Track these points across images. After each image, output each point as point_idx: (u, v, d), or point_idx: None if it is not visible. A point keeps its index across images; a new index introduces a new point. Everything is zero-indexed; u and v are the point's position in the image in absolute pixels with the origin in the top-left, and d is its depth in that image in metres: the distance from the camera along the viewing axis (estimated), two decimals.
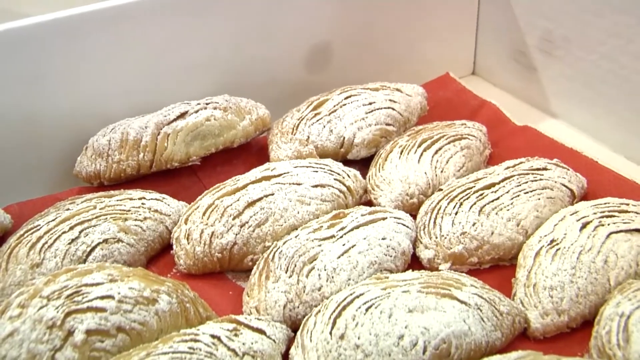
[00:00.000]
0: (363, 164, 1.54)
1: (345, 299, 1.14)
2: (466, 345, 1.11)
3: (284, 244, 1.26)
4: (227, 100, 1.55)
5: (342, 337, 1.09)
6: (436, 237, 1.32)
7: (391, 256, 1.27)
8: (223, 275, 1.34)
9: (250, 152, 1.59)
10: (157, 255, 1.38)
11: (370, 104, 1.57)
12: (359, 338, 1.08)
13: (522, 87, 1.85)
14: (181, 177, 1.53)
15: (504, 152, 1.54)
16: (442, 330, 1.10)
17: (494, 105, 1.74)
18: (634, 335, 1.10)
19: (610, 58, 1.59)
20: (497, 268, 1.33)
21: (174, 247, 1.34)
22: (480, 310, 1.14)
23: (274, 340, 1.14)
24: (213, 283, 1.32)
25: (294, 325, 1.19)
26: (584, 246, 1.24)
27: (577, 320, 1.20)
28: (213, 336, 1.09)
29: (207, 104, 1.52)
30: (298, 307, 1.20)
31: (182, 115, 1.48)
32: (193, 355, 1.05)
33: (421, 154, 1.47)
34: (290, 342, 1.16)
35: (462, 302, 1.14)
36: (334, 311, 1.12)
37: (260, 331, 1.14)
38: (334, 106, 1.56)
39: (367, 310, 1.11)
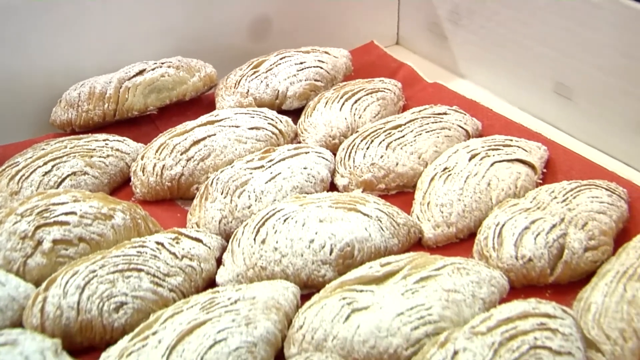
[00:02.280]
0: (296, 114, 1.61)
1: (268, 213, 1.21)
2: (367, 248, 1.18)
3: (221, 172, 1.33)
4: (180, 60, 1.62)
5: (263, 241, 1.17)
6: (350, 167, 1.39)
7: (311, 182, 1.34)
8: (173, 202, 1.41)
9: (200, 104, 1.65)
10: (119, 186, 1.45)
11: (301, 63, 1.64)
12: (277, 242, 1.16)
13: (437, 53, 1.91)
14: (141, 125, 1.60)
15: (415, 105, 1.60)
16: (346, 235, 1.17)
17: (410, 67, 1.81)
18: (506, 240, 1.18)
19: (504, 25, 1.66)
20: (401, 194, 1.40)
21: (132, 178, 1.41)
22: (380, 221, 1.21)
23: (209, 247, 1.21)
24: (164, 208, 1.39)
25: (227, 237, 1.25)
26: (471, 172, 1.32)
27: (463, 232, 1.28)
28: (158, 242, 1.17)
29: (162, 63, 1.59)
30: (231, 222, 1.27)
31: (141, 72, 1.55)
32: (140, 257, 1.12)
33: (343, 104, 1.54)
34: (224, 250, 1.23)
35: (365, 214, 1.21)
36: (258, 222, 1.20)
37: (198, 240, 1.21)
38: (270, 65, 1.63)
39: (285, 220, 1.19)
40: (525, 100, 1.69)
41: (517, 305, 1.02)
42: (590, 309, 1.07)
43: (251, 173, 1.31)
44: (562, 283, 1.18)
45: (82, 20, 1.57)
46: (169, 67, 1.57)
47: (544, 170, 1.42)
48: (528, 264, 1.15)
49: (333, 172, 1.41)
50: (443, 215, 1.27)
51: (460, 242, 1.29)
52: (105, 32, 1.61)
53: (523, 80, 1.67)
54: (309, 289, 1.15)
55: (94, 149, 1.41)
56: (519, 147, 1.41)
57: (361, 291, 1.07)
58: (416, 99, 1.67)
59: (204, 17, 1.71)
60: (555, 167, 1.43)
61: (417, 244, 1.28)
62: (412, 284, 1.07)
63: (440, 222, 1.27)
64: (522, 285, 1.17)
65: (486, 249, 1.19)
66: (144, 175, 1.37)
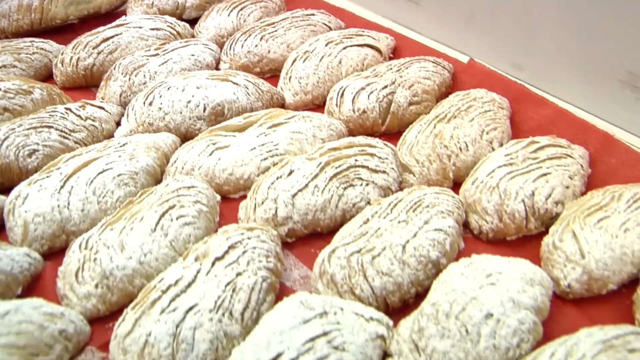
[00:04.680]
0: (194, 24, 1.71)
1: (156, 84, 1.33)
2: (235, 108, 1.31)
3: (123, 59, 1.45)
4: None
5: (150, 104, 1.29)
6: (231, 55, 1.52)
7: (197, 67, 1.47)
8: (89, 89, 1.52)
9: (115, 17, 1.70)
10: (44, 80, 1.54)
11: None
12: (161, 104, 1.28)
13: None
14: (65, 34, 1.67)
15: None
16: (217, 97, 1.30)
17: None
18: (346, 98, 1.31)
19: None
20: (275, 77, 1.52)
21: (53, 70, 1.51)
22: (247, 88, 1.34)
23: (110, 113, 1.33)
24: (81, 92, 1.50)
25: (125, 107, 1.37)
26: (325, 53, 1.45)
27: (318, 99, 1.41)
28: (67, 108, 1.29)
29: None
30: (129, 95, 1.40)
31: None
32: (51, 118, 1.24)
33: (231, 11, 1.66)
34: (122, 116, 1.35)
35: (234, 83, 1.34)
36: (148, 92, 1.32)
37: (101, 107, 1.33)
38: None
39: (168, 89, 1.31)
40: (382, 7, 1.79)
41: (345, 139, 1.16)
42: (405, 141, 1.22)
43: (147, 59, 1.43)
44: (393, 131, 1.31)
45: None
46: None
47: (391, 55, 1.54)
48: (363, 115, 1.29)
49: (218, 61, 1.52)
50: (301, 86, 1.39)
51: (316, 107, 1.41)
52: None
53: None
54: (188, 140, 1.26)
55: (22, 48, 1.51)
56: (369, 36, 1.53)
57: (225, 136, 1.20)
58: (294, 6, 1.75)
59: None
60: (401, 54, 1.55)
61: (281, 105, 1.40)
62: (266, 129, 1.21)
63: (299, 90, 1.39)
64: (359, 133, 1.28)
65: (331, 106, 1.33)
66: (62, 66, 1.48)
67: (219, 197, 1.12)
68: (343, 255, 0.94)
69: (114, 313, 0.94)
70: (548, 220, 1.05)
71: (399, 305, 0.94)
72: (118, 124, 1.32)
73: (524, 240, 1.06)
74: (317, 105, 1.40)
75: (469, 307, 0.84)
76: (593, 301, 0.97)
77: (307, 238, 1.07)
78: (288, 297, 0.88)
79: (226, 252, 0.94)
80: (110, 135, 1.29)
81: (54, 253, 1.06)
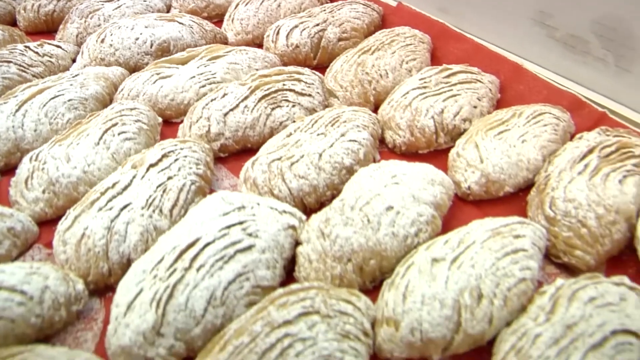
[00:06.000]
0: None
1: (108, 25, 1.36)
2: (180, 45, 1.35)
3: (80, 4, 1.47)
4: None
5: (102, 41, 1.32)
6: (180, 1, 1.55)
7: (149, 11, 1.50)
8: (51, 34, 1.54)
9: None
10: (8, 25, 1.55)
11: None
12: (112, 41, 1.31)
13: None
14: None
15: None
16: (164, 35, 1.33)
17: None
18: (281, 35, 1.33)
19: None
20: (221, 22, 1.54)
21: (17, 16, 1.54)
22: (192, 28, 1.37)
23: (66, 51, 1.36)
24: (42, 37, 1.51)
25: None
26: None
27: (259, 38, 1.45)
28: (25, 46, 1.31)
29: None
30: (85, 36, 1.43)
31: None
32: (10, 54, 1.27)
33: None
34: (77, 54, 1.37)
35: (180, 23, 1.37)
36: (101, 32, 1.34)
37: (58, 46, 1.36)
38: None
39: (119, 28, 1.33)
40: None
41: (276, 67, 1.20)
42: (331, 70, 1.26)
43: (102, 4, 1.46)
44: (324, 65, 1.35)
45: None
46: None
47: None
48: (296, 50, 1.33)
49: (169, 8, 1.54)
50: (242, 26, 1.43)
51: (256, 47, 1.42)
52: None
53: None
54: (136, 72, 1.29)
55: None
56: None
57: (169, 67, 1.23)
58: None
59: None
60: None
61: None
62: (206, 60, 1.24)
63: (240, 30, 1.43)
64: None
65: (268, 42, 1.36)
66: (25, 12, 1.50)
67: (160, 120, 1.15)
68: (265, 162, 0.99)
69: (61, 217, 0.97)
70: (457, 136, 1.10)
71: (316, 206, 0.98)
72: (74, 61, 1.33)
73: (435, 153, 1.11)
74: (257, 44, 1.43)
75: (373, 201, 0.88)
76: (492, 202, 1.02)
77: (238, 153, 1.11)
78: (211, 195, 0.92)
79: (160, 159, 0.97)
80: (66, 71, 1.30)
81: (10, 170, 1.08)
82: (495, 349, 0.75)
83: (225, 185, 1.05)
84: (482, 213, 0.96)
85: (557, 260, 0.90)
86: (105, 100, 1.18)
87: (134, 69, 1.28)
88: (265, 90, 1.11)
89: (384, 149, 1.12)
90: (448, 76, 1.16)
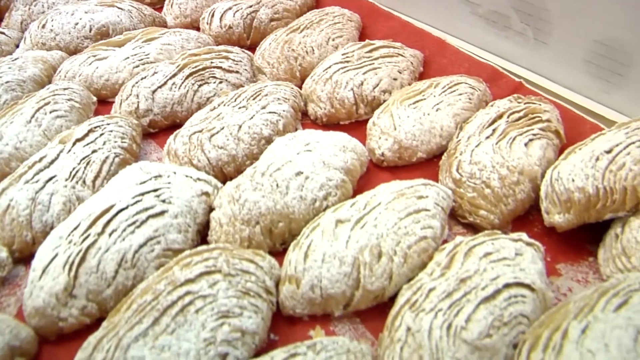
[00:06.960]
0: None
1: (49, 12, 1.34)
2: (119, 29, 1.34)
3: None
4: None
5: (43, 27, 1.32)
6: None
7: None
8: None
9: None
10: None
11: None
12: (52, 26, 1.31)
13: None
14: None
15: None
16: (103, 19, 1.32)
17: None
18: (215, 16, 1.33)
19: None
20: (161, 8, 1.52)
21: None
22: (131, 12, 1.37)
23: (10, 37, 1.35)
24: None
25: None
26: None
27: (197, 22, 1.42)
28: None
29: None
30: (29, 23, 1.42)
31: None
32: None
33: None
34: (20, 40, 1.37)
35: (119, 8, 1.36)
36: (42, 18, 1.33)
37: (2, 33, 1.35)
38: None
39: (59, 14, 1.33)
40: None
41: (207, 47, 1.20)
42: (260, 48, 1.26)
43: None
44: (258, 45, 1.33)
45: None
46: None
47: None
48: (229, 30, 1.33)
49: None
50: (181, 10, 1.43)
51: (195, 29, 1.42)
52: None
53: None
54: (74, 55, 1.28)
55: None
56: None
57: (106, 49, 1.23)
58: None
59: None
60: None
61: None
62: (141, 42, 1.24)
63: (179, 14, 1.43)
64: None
65: (203, 25, 1.36)
66: None
67: (95, 99, 1.15)
68: (186, 134, 0.99)
69: None
70: (377, 107, 1.11)
71: (236, 175, 0.99)
72: (18, 47, 1.32)
73: (356, 124, 1.12)
74: (196, 27, 1.42)
75: (284, 167, 0.89)
76: (406, 169, 1.02)
77: (167, 129, 1.11)
78: (130, 165, 0.93)
79: (86, 134, 0.98)
80: (9, 54, 1.29)
81: None
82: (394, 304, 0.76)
83: (152, 158, 1.06)
84: (397, 178, 0.96)
85: (463, 221, 0.91)
86: (43, 82, 1.18)
87: (74, 53, 1.28)
88: (192, 68, 1.12)
89: (307, 121, 1.12)
90: (370, 51, 1.17)
